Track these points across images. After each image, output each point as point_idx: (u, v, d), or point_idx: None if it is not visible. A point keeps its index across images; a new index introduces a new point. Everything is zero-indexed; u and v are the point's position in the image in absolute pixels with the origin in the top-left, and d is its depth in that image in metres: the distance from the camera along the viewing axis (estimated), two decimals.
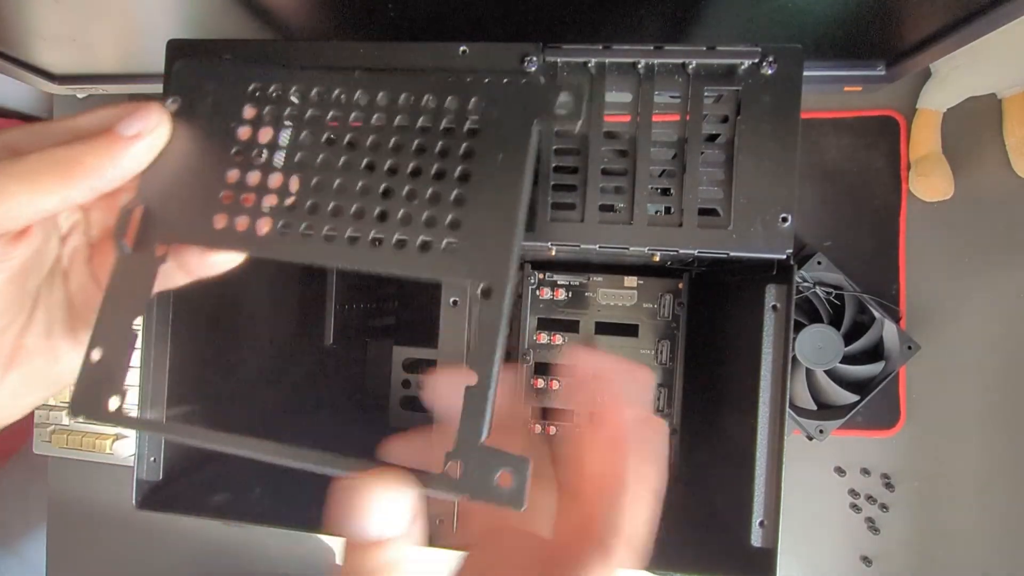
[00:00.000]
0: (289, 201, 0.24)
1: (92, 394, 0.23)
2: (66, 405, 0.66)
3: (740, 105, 0.29)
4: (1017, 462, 0.55)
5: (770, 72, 0.29)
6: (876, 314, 0.52)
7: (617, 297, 0.48)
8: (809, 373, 0.52)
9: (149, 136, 0.23)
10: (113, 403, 0.23)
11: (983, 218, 0.56)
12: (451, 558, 0.25)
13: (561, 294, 0.48)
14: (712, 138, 0.30)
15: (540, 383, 0.47)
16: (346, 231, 0.23)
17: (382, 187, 0.24)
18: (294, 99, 0.25)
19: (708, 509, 0.37)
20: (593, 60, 0.30)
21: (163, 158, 0.24)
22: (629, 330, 0.48)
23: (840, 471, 0.57)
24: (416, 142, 0.24)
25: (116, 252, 0.24)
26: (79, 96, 0.58)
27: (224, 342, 0.39)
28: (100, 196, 0.23)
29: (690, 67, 0.30)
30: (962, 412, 0.56)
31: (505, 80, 0.26)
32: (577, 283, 0.48)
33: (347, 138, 0.24)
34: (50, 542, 0.70)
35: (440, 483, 0.20)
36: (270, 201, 0.24)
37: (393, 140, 0.24)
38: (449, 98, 0.24)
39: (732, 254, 0.29)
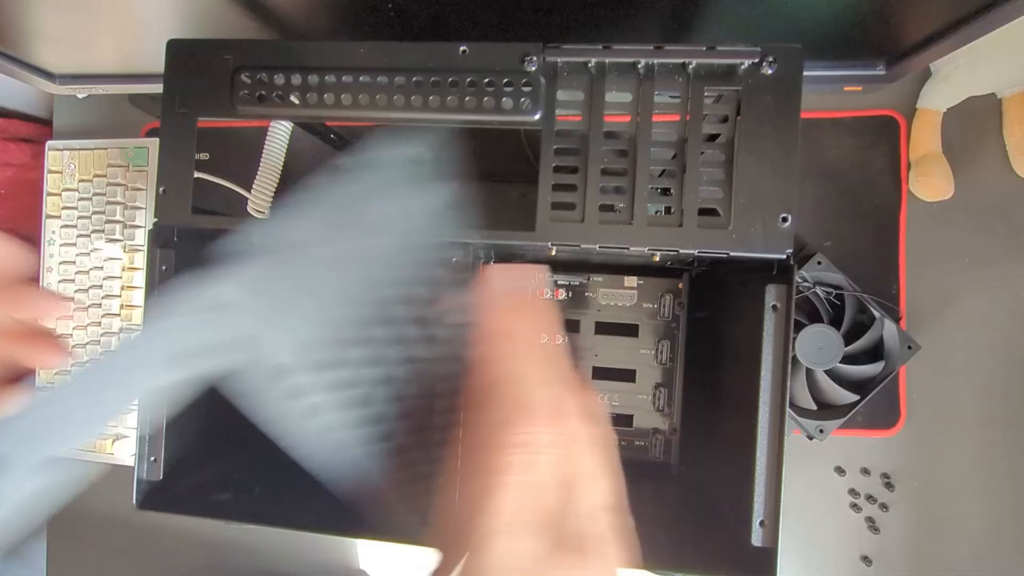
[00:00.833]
0: None
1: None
2: None
3: (740, 105, 0.29)
4: (1017, 462, 0.55)
5: (770, 72, 0.29)
6: (876, 314, 0.52)
7: (617, 297, 0.48)
8: (809, 373, 0.52)
9: None
10: None
11: (983, 218, 0.56)
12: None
13: (561, 294, 0.48)
14: (712, 138, 0.30)
15: None
16: None
17: None
18: None
19: (708, 509, 0.37)
20: (593, 60, 0.30)
21: None
22: (629, 330, 0.48)
23: (840, 471, 0.57)
24: None
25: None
26: (79, 96, 0.58)
27: None
28: None
29: (690, 67, 0.30)
30: (962, 412, 0.56)
31: None
32: (577, 283, 0.48)
33: None
34: (50, 542, 0.70)
35: None
36: None
37: None
38: None
39: (732, 254, 0.29)
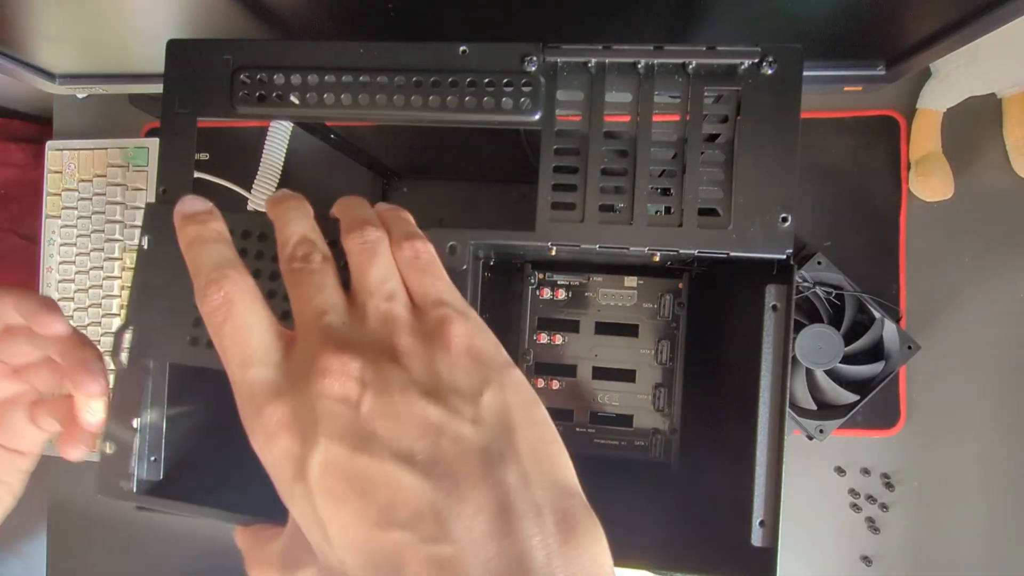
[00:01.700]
0: None
1: (111, 478, 0.31)
2: None
3: (740, 105, 0.29)
4: (1017, 462, 0.55)
5: (770, 72, 0.29)
6: (876, 314, 0.52)
7: (617, 297, 0.48)
8: (809, 373, 0.52)
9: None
10: (125, 485, 0.31)
11: (983, 218, 0.56)
12: None
13: (561, 294, 0.48)
14: (712, 138, 0.30)
15: (540, 383, 0.47)
16: None
17: None
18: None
19: (708, 509, 0.37)
20: (593, 60, 0.30)
21: (144, 288, 0.30)
22: (629, 330, 0.48)
23: (840, 471, 0.57)
24: None
25: (115, 366, 0.30)
26: (79, 96, 0.58)
27: None
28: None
29: (690, 67, 0.30)
30: (962, 412, 0.56)
31: None
32: (577, 283, 0.48)
33: None
34: (50, 542, 0.70)
35: None
36: None
37: None
38: None
39: (732, 254, 0.29)
